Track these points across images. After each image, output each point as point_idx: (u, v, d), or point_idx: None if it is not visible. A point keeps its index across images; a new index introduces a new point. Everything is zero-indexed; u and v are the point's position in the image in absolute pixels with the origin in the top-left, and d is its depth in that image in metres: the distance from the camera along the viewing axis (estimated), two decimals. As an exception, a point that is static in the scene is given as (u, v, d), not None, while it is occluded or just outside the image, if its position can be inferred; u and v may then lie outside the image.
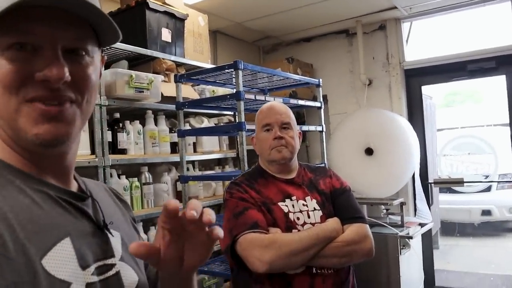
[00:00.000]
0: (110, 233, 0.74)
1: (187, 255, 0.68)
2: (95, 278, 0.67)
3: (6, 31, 0.62)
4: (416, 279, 3.45)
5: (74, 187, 0.75)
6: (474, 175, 6.69)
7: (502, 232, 6.73)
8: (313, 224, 1.62)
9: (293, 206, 1.64)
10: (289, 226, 1.59)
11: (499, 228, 6.67)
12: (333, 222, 1.62)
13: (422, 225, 3.46)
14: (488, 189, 6.45)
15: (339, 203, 1.71)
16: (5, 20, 0.61)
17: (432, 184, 4.01)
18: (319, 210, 1.66)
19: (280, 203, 1.63)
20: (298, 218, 1.62)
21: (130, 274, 0.76)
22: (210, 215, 0.63)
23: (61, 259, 0.62)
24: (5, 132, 0.67)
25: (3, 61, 0.63)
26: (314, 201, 1.68)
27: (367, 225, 1.67)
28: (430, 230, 3.70)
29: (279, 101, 2.58)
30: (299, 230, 1.58)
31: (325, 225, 1.60)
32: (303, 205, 1.66)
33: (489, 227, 6.62)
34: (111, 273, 0.71)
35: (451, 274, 4.77)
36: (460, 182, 4.09)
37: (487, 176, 6.59)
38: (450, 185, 5.73)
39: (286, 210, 1.62)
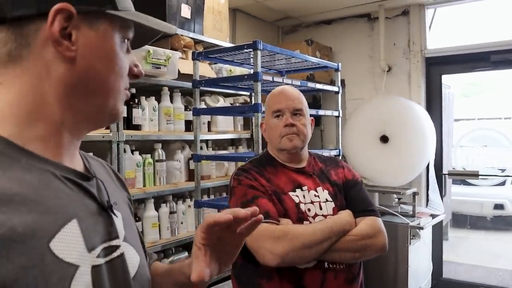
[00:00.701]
0: (114, 214, 0.73)
1: (222, 259, 0.79)
2: (101, 261, 0.66)
3: (126, 26, 0.72)
4: (424, 270, 3.43)
5: (79, 165, 0.73)
6: (490, 168, 6.58)
7: (514, 227, 6.67)
8: (325, 216, 1.54)
9: (304, 196, 1.56)
10: (300, 217, 1.51)
11: (511, 223, 6.60)
12: (346, 215, 1.55)
13: (433, 216, 3.43)
14: (503, 183, 6.36)
15: (351, 195, 1.63)
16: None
17: (446, 176, 3.96)
18: (331, 201, 1.59)
19: (290, 193, 1.56)
20: (309, 209, 1.54)
21: (133, 255, 0.76)
22: (246, 210, 0.73)
23: (68, 242, 0.60)
24: (62, 112, 0.67)
25: (122, 53, 0.71)
26: (326, 192, 1.61)
27: (380, 219, 1.60)
28: (441, 222, 3.66)
29: (297, 83, 2.55)
30: (310, 222, 1.52)
31: (338, 217, 1.53)
32: (315, 195, 1.58)
33: (501, 221, 6.54)
34: (115, 254, 0.70)
35: (459, 267, 4.75)
36: (475, 175, 4.02)
37: (503, 170, 6.47)
38: (464, 178, 5.66)
39: (297, 200, 1.54)
